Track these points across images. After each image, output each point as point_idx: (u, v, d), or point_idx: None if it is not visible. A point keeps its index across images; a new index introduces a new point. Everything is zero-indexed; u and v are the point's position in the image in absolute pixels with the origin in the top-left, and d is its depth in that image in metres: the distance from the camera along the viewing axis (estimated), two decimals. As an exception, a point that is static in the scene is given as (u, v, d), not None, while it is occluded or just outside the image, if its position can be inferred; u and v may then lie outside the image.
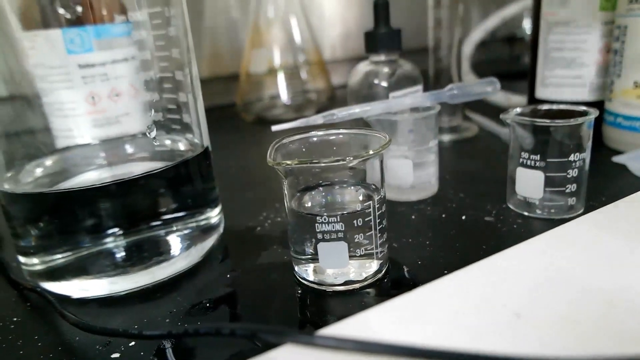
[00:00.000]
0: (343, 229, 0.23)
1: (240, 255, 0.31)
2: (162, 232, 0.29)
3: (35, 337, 0.24)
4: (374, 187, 0.25)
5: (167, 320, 0.24)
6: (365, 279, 0.25)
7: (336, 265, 0.24)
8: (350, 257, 0.24)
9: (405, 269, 0.27)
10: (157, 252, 0.28)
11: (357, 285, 0.25)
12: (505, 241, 0.29)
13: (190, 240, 0.30)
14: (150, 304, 0.26)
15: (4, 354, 0.23)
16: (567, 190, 0.31)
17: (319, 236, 0.24)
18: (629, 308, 0.17)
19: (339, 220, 0.23)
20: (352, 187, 0.26)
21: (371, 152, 0.23)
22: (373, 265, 0.25)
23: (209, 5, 0.76)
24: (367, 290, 0.25)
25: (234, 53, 0.76)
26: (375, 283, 0.26)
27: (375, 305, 0.19)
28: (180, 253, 0.29)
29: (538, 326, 0.16)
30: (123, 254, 0.28)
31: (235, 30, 0.78)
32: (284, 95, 0.66)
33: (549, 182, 0.31)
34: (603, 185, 0.36)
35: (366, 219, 0.24)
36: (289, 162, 0.23)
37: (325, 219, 0.23)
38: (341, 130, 0.27)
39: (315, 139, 0.27)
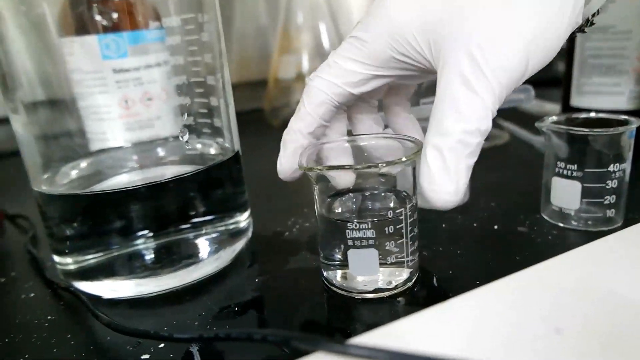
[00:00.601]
0: (374, 235, 0.23)
1: (269, 260, 0.31)
2: (191, 235, 0.29)
3: (68, 335, 0.24)
4: (405, 194, 0.25)
5: (196, 323, 0.25)
6: (395, 287, 0.25)
7: (366, 273, 0.24)
8: (381, 264, 0.24)
9: (436, 279, 0.27)
10: (186, 255, 0.29)
11: (386, 294, 0.25)
12: (540, 253, 0.28)
13: (219, 244, 0.30)
14: (180, 307, 0.26)
15: (38, 351, 0.23)
16: (606, 202, 0.30)
17: (350, 242, 0.23)
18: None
19: (369, 227, 0.23)
20: (384, 194, 0.25)
21: (403, 158, 0.22)
22: (403, 274, 0.25)
23: (239, 11, 0.77)
24: (397, 299, 0.25)
25: (262, 59, 0.77)
26: (405, 292, 0.25)
27: (406, 315, 0.19)
28: (209, 256, 0.29)
29: (579, 343, 0.16)
30: (153, 256, 0.28)
31: (264, 36, 0.79)
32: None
33: (586, 192, 0.30)
34: (643, 197, 0.34)
35: (397, 226, 0.23)
36: (319, 167, 0.23)
37: (356, 226, 0.23)
38: (373, 136, 0.27)
39: (347, 144, 0.26)
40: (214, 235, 0.30)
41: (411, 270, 0.25)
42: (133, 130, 0.34)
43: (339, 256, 0.24)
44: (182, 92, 0.32)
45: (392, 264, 0.24)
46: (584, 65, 0.45)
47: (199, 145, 0.33)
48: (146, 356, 0.22)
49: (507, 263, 0.27)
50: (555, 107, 0.57)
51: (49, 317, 0.26)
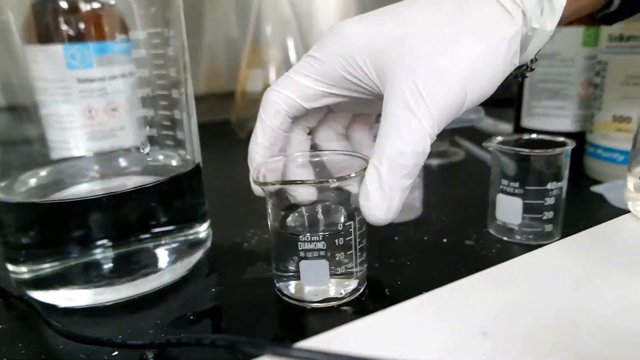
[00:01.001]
0: (324, 247, 0.24)
1: (226, 270, 0.31)
2: (150, 245, 0.30)
3: (19, 344, 0.24)
4: (355, 208, 0.26)
5: (151, 331, 0.25)
6: (344, 297, 0.26)
7: (317, 283, 0.25)
8: (331, 275, 0.25)
9: (385, 288, 0.28)
10: (144, 264, 0.29)
11: (335, 303, 0.26)
12: (484, 264, 0.30)
13: (178, 254, 0.30)
14: (136, 315, 0.27)
15: (-12, 360, 0.23)
16: (544, 217, 0.32)
17: (302, 254, 0.25)
18: (591, 330, 0.18)
19: (320, 239, 0.24)
20: (335, 207, 0.27)
21: (352, 174, 0.24)
22: (352, 284, 0.26)
23: (209, 23, 0.77)
24: (346, 307, 0.26)
25: (231, 71, 0.78)
26: (354, 301, 0.26)
27: (352, 321, 0.20)
28: (167, 266, 0.30)
29: (503, 345, 0.17)
30: (111, 265, 0.28)
31: (234, 48, 0.80)
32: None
33: (527, 208, 0.32)
34: (581, 213, 0.37)
35: (347, 239, 0.25)
36: (273, 182, 0.24)
37: (307, 237, 0.24)
38: (330, 153, 0.28)
39: (300, 159, 0.28)
40: (173, 245, 0.30)
41: (359, 280, 0.27)
42: (96, 140, 0.34)
43: (291, 267, 0.26)
44: (146, 104, 0.33)
45: (341, 274, 0.25)
46: (534, 88, 0.48)
47: (160, 157, 0.33)
48: (99, 364, 0.23)
49: (453, 274, 0.29)
50: (508, 126, 0.59)
51: (0, 327, 0.26)
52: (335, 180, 0.24)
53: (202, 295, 0.29)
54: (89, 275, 0.28)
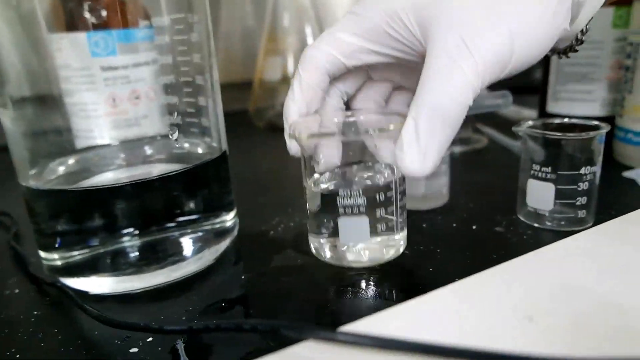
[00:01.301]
0: (365, 203, 0.24)
1: (254, 258, 0.31)
2: (177, 233, 0.30)
3: (55, 330, 0.25)
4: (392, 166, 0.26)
5: (184, 318, 0.25)
6: (384, 257, 0.26)
7: (357, 240, 0.25)
8: (371, 233, 0.25)
9: (417, 275, 0.28)
10: (171, 252, 0.29)
11: (376, 264, 0.25)
12: (515, 251, 0.29)
13: (205, 242, 0.30)
14: (167, 303, 0.27)
15: (25, 346, 0.24)
16: (578, 203, 0.31)
17: (341, 211, 0.24)
18: (636, 315, 0.18)
19: (360, 194, 0.24)
20: (373, 165, 0.26)
21: (391, 126, 0.23)
22: (393, 242, 0.26)
23: (225, 13, 0.77)
24: (381, 293, 0.26)
25: (248, 60, 0.78)
26: (388, 287, 0.26)
27: (389, 306, 0.20)
28: (195, 254, 0.30)
29: (550, 329, 0.17)
30: (138, 253, 0.28)
31: (250, 37, 0.79)
32: (296, 103, 0.67)
33: (559, 194, 0.31)
34: (613, 199, 0.36)
35: (388, 194, 0.24)
36: (310, 134, 0.24)
37: (347, 193, 0.24)
38: (361, 110, 0.28)
39: (335, 119, 0.27)
40: (200, 234, 0.30)
41: (401, 239, 0.26)
42: (120, 129, 0.34)
43: (329, 226, 0.25)
44: (170, 91, 0.33)
45: (382, 232, 0.25)
46: (560, 73, 0.47)
47: (186, 145, 0.33)
48: (135, 350, 0.23)
49: (485, 261, 0.28)
50: (532, 113, 0.58)
51: (35, 313, 0.26)
52: (375, 130, 0.23)
53: (232, 283, 0.28)
54: (117, 263, 0.28)
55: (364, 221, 0.24)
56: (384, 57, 0.25)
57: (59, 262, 0.28)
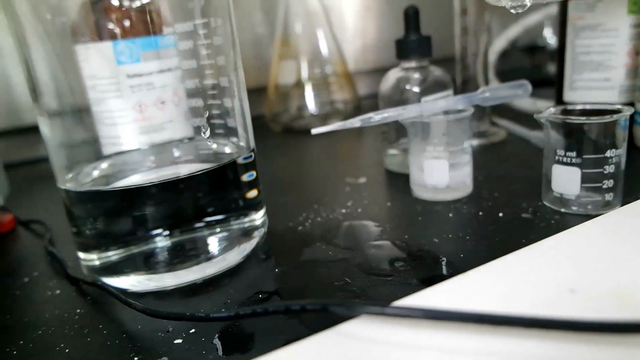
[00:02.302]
0: None
1: (285, 253, 0.32)
2: (209, 231, 0.30)
3: (100, 326, 0.25)
4: None
5: (223, 310, 0.26)
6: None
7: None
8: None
9: (447, 260, 0.28)
10: (204, 250, 0.30)
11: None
12: (545, 235, 0.29)
13: (236, 241, 0.31)
14: (203, 297, 0.27)
15: (73, 341, 0.24)
16: (604, 187, 0.31)
17: None
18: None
19: None
20: None
21: None
22: None
23: (236, 21, 0.78)
24: (412, 279, 0.26)
25: (259, 67, 0.79)
26: (418, 270, 0.27)
27: (428, 286, 0.20)
28: (226, 252, 0.30)
29: (591, 300, 0.17)
30: (172, 251, 0.29)
31: (261, 44, 0.81)
32: (312, 106, 0.68)
33: (585, 178, 0.31)
34: (637, 183, 0.36)
35: None
36: None
37: None
38: None
39: None
40: (230, 232, 0.31)
41: None
42: (147, 134, 0.35)
43: None
44: (195, 94, 0.33)
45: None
46: (576, 61, 0.47)
47: (214, 145, 0.34)
48: (179, 341, 0.23)
49: (515, 245, 0.29)
50: (547, 104, 0.59)
51: (78, 311, 0.27)
52: None
53: (266, 277, 0.29)
54: (152, 261, 0.29)
55: None
56: None
57: (97, 262, 0.29)
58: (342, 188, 0.43)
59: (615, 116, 0.30)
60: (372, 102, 0.51)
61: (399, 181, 0.42)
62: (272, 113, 0.70)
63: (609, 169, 0.31)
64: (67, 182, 0.29)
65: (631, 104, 0.44)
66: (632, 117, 0.44)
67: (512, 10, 0.39)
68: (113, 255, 0.29)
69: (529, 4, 0.38)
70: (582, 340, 0.15)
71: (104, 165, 0.33)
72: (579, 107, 0.33)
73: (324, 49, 0.68)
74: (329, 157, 0.57)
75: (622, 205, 0.32)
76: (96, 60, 0.34)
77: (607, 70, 0.45)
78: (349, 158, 0.55)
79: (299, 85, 0.67)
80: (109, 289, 0.26)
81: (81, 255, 0.30)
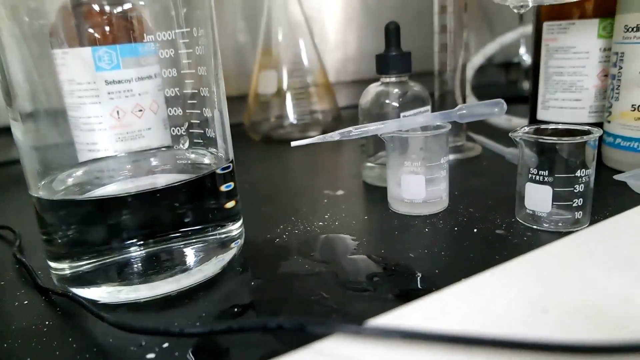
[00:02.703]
0: None
1: (262, 265, 0.32)
2: (184, 242, 0.30)
3: (69, 339, 0.25)
4: None
5: (198, 324, 0.25)
6: None
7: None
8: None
9: (422, 276, 0.28)
10: (179, 262, 0.29)
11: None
12: (518, 252, 0.30)
13: (212, 252, 0.31)
14: (178, 310, 0.27)
15: (40, 355, 0.24)
16: (574, 205, 0.32)
17: None
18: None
19: None
20: None
21: None
22: None
23: (217, 29, 0.78)
24: (390, 294, 0.26)
25: (241, 75, 0.79)
26: (399, 267, 0.27)
27: (404, 304, 0.20)
28: (202, 264, 0.30)
29: (562, 319, 0.18)
30: (146, 262, 0.28)
31: (243, 53, 0.81)
32: (291, 115, 0.68)
33: (556, 196, 0.32)
34: (606, 201, 0.37)
35: None
36: None
37: None
38: None
39: None
40: (207, 243, 0.31)
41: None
42: (125, 141, 0.35)
43: None
44: (175, 103, 0.33)
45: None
46: (549, 81, 0.48)
47: (192, 155, 0.34)
48: (151, 355, 0.23)
49: (489, 261, 0.29)
50: (522, 121, 0.60)
51: (47, 322, 0.26)
52: None
53: (242, 290, 0.29)
54: (126, 272, 0.28)
55: None
56: None
57: (68, 272, 0.28)
58: (320, 200, 0.43)
59: (585, 137, 0.31)
60: (352, 113, 0.52)
61: (377, 194, 0.43)
62: (252, 122, 0.70)
63: (579, 187, 0.32)
64: (40, 189, 0.29)
65: (599, 125, 0.46)
66: (600, 137, 0.45)
67: (515, 10, 0.41)
68: (85, 265, 0.28)
69: (531, 5, 0.39)
70: (551, 360, 0.15)
71: (79, 172, 0.32)
72: (551, 126, 0.34)
73: (305, 59, 0.68)
74: (308, 168, 0.57)
75: (591, 222, 0.33)
76: (74, 65, 0.33)
77: (578, 91, 0.47)
78: (327, 170, 0.56)
79: (279, 94, 0.68)
80: (80, 301, 0.26)
81: (52, 264, 0.29)
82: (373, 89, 0.44)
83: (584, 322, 0.18)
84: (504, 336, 0.15)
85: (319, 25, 0.87)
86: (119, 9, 0.32)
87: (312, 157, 0.60)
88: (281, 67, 0.67)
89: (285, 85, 0.67)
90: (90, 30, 0.32)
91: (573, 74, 0.47)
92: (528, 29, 0.72)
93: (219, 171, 0.32)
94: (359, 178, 0.48)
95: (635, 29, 0.40)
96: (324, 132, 0.39)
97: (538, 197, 0.33)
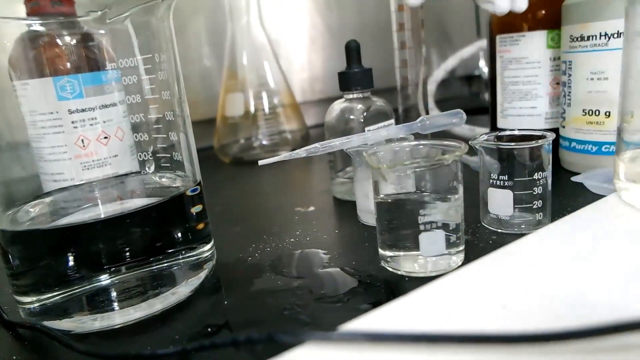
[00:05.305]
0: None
1: (235, 285, 0.32)
2: (156, 266, 0.30)
3: (38, 372, 0.24)
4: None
5: (171, 347, 0.25)
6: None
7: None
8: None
9: (394, 282, 0.29)
10: (152, 286, 0.29)
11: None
12: (484, 254, 0.31)
13: (184, 274, 0.31)
14: (151, 334, 0.27)
15: (8, 391, 0.23)
16: (534, 207, 0.34)
17: (421, 227, 0.28)
18: (593, 294, 0.20)
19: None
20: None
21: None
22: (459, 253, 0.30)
23: (182, 55, 0.78)
24: (364, 298, 0.27)
25: (208, 99, 0.79)
26: (369, 277, 0.27)
27: (373, 309, 0.21)
28: (175, 287, 0.30)
29: (520, 314, 0.18)
30: (119, 288, 0.28)
31: (209, 77, 0.81)
32: (260, 137, 0.69)
33: (517, 200, 0.34)
34: (565, 202, 0.39)
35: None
36: (407, 162, 0.29)
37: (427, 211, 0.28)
38: (421, 142, 0.33)
39: (397, 148, 0.33)
40: (178, 266, 0.30)
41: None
42: (91, 169, 0.34)
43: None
44: (140, 129, 0.33)
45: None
46: (506, 91, 0.50)
47: (160, 179, 0.34)
48: (124, 381, 0.23)
49: (456, 266, 0.30)
50: (484, 131, 0.62)
51: (14, 357, 0.26)
52: (448, 158, 0.29)
53: (215, 310, 0.29)
54: (96, 300, 0.28)
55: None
56: None
57: (37, 305, 0.28)
58: (291, 217, 0.43)
59: (540, 141, 0.33)
60: (321, 131, 0.53)
61: (347, 208, 0.43)
62: (221, 144, 0.70)
63: (538, 190, 0.33)
64: (4, 222, 0.28)
65: (556, 130, 0.48)
66: (557, 142, 0.48)
67: None
68: (54, 297, 0.28)
69: None
70: (513, 352, 0.16)
71: (45, 202, 0.32)
72: (507, 133, 0.36)
73: (271, 80, 0.69)
74: (279, 186, 0.57)
75: (551, 222, 0.35)
76: (36, 96, 0.33)
77: (533, 99, 0.49)
78: (298, 187, 0.56)
79: (247, 116, 0.68)
80: (48, 332, 0.25)
81: (19, 298, 0.28)
82: (337, 105, 0.45)
83: (542, 315, 0.18)
84: (461, 332, 0.15)
85: (285, 47, 0.89)
86: (78, 38, 0.32)
87: (283, 176, 0.61)
88: (247, 89, 0.68)
89: (252, 107, 0.68)
90: (50, 61, 0.32)
91: (527, 83, 0.49)
92: (485, 42, 0.75)
93: (187, 193, 0.32)
94: (330, 194, 0.49)
95: (579, 39, 0.43)
96: (293, 150, 0.40)
97: (500, 202, 0.34)
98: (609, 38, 0.41)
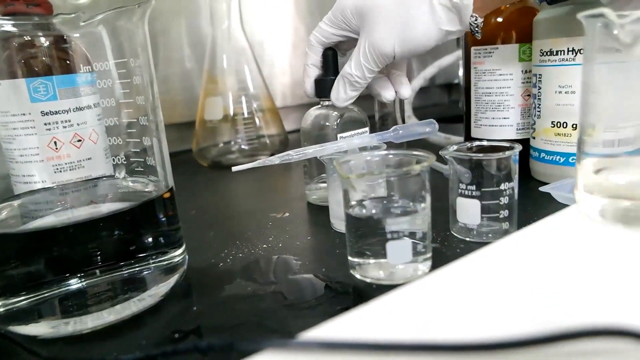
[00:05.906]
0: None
1: (205, 290, 0.32)
2: (126, 271, 0.30)
3: (1, 378, 0.24)
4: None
5: (137, 352, 0.25)
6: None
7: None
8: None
9: (363, 288, 0.29)
10: (122, 291, 0.29)
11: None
12: (451, 263, 0.32)
13: (155, 279, 0.31)
14: (119, 340, 0.27)
15: (-30, 396, 0.23)
16: (501, 216, 0.35)
17: (388, 236, 0.29)
18: (557, 298, 0.21)
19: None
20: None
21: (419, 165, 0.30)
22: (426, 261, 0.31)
23: (164, 56, 0.78)
24: (334, 303, 0.27)
25: (188, 101, 0.79)
26: (339, 284, 0.28)
27: (340, 314, 0.21)
28: (145, 291, 0.30)
29: (490, 318, 0.19)
30: (88, 293, 0.28)
31: (190, 79, 0.81)
32: (239, 141, 0.69)
33: (484, 209, 0.34)
34: (533, 212, 0.40)
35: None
36: (376, 172, 0.30)
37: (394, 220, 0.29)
38: (391, 151, 0.34)
39: (368, 157, 0.34)
40: (149, 270, 0.31)
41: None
42: (63, 172, 0.34)
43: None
44: (114, 133, 0.33)
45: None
46: (479, 102, 0.52)
47: (132, 183, 0.34)
48: (89, 387, 0.23)
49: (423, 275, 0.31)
50: (459, 139, 0.63)
51: (-22, 363, 0.26)
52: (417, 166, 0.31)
53: (184, 316, 0.29)
54: (66, 305, 0.28)
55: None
56: (342, 37, 0.43)
57: (2, 310, 0.28)
58: (265, 223, 0.43)
59: (507, 152, 0.34)
60: (299, 136, 0.53)
61: (320, 214, 0.44)
62: (200, 148, 0.70)
63: (504, 200, 0.34)
64: (-29, 225, 0.28)
65: (527, 141, 0.49)
66: (527, 152, 0.49)
67: None
68: (21, 301, 0.28)
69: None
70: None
71: (14, 205, 0.32)
72: (476, 143, 0.37)
73: (251, 85, 0.69)
74: (256, 191, 0.58)
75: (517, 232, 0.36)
76: (8, 97, 0.33)
77: (505, 110, 0.50)
78: (274, 193, 0.56)
79: (226, 120, 0.68)
80: (11, 337, 0.25)
81: (-16, 302, 0.28)
82: (313, 112, 0.45)
83: (504, 323, 0.19)
84: (416, 341, 0.16)
85: (267, 52, 0.89)
86: (52, 39, 0.32)
87: (260, 182, 0.61)
88: (227, 93, 0.68)
89: (231, 111, 0.68)
90: (24, 62, 0.32)
91: (500, 94, 0.50)
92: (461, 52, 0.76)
93: (159, 198, 0.32)
94: (305, 200, 0.49)
95: (548, 53, 0.44)
96: (272, 156, 0.40)
97: (468, 211, 0.35)
98: (576, 53, 0.42)
